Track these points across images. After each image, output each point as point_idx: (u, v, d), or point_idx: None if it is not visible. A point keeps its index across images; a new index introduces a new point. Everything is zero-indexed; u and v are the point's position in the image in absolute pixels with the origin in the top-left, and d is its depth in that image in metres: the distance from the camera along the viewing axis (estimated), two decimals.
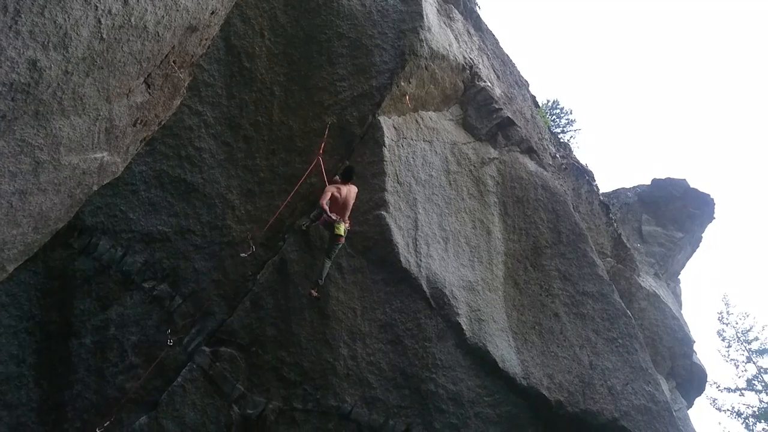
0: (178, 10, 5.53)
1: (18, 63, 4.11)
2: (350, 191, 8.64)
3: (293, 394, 8.71)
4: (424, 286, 9.03)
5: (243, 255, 8.75)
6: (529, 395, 9.08)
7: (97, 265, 9.10)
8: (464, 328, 9.01)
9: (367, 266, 9.16)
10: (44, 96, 4.58)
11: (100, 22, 4.55)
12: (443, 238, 9.74)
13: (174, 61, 6.31)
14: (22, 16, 3.93)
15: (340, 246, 8.72)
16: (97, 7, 4.43)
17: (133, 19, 4.91)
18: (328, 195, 8.37)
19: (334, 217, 8.37)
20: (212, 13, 6.53)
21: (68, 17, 4.25)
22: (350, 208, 8.62)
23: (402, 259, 9.01)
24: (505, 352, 9.22)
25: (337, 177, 8.88)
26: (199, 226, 9.35)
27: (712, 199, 18.99)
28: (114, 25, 4.73)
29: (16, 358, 8.64)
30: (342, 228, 8.40)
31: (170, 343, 8.56)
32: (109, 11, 4.58)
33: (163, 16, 5.33)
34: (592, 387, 9.38)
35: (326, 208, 8.27)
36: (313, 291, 8.56)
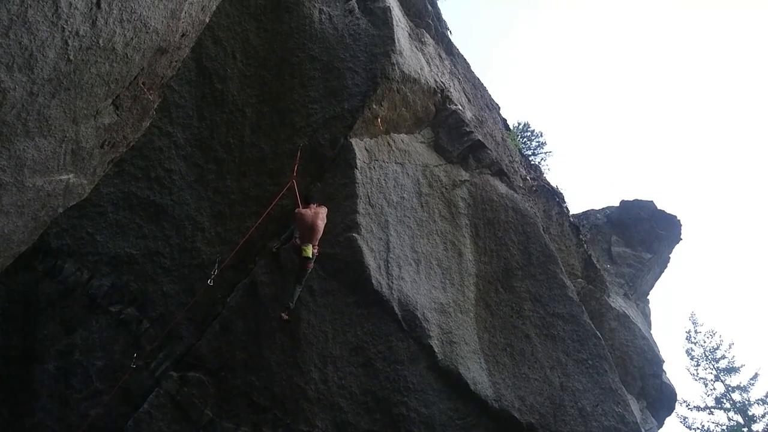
0: (147, 32, 5.51)
1: None
2: (317, 213, 8.56)
3: (263, 420, 8.56)
4: (396, 309, 8.99)
5: (210, 283, 8.56)
6: (501, 418, 9.05)
7: (62, 288, 8.90)
8: (436, 350, 8.97)
9: (338, 288, 9.10)
10: (8, 117, 4.50)
11: (67, 43, 4.51)
12: (415, 260, 9.75)
13: (143, 83, 6.26)
14: None
15: (310, 271, 8.68)
16: (64, 28, 4.38)
17: (101, 41, 4.87)
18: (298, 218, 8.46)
19: (297, 242, 8.52)
20: (183, 35, 6.52)
21: (34, 39, 4.20)
22: (319, 230, 8.50)
23: (374, 281, 8.97)
24: (476, 374, 9.21)
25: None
26: (168, 249, 9.22)
27: (679, 221, 19.28)
28: (81, 46, 4.68)
29: None
30: (309, 250, 8.32)
31: (134, 365, 8.34)
32: (77, 33, 4.54)
33: (132, 38, 5.30)
34: (563, 409, 9.41)
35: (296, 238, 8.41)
36: (283, 314, 8.49)
